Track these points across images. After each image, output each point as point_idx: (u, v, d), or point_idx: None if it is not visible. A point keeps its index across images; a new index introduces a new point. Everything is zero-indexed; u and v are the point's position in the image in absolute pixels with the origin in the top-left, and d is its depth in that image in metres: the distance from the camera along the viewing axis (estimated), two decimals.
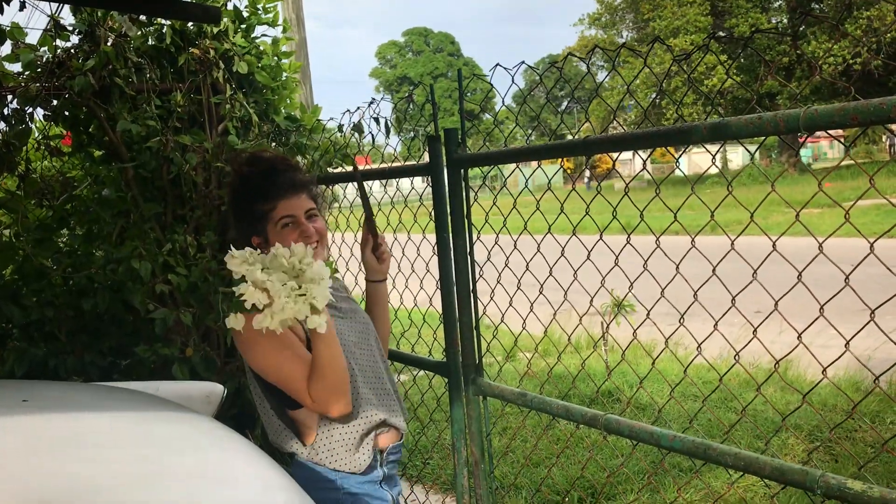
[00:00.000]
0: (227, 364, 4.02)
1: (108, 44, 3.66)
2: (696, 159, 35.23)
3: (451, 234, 2.74)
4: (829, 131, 1.65)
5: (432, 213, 2.79)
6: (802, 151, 37.71)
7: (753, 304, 1.75)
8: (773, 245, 1.63)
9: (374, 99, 3.03)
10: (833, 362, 1.71)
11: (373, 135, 3.22)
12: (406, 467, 5.15)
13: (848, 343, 1.57)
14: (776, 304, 1.68)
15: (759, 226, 1.59)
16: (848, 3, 28.46)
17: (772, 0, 35.68)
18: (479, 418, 2.81)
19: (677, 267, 1.82)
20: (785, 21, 33.76)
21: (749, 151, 2.02)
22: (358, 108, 3.22)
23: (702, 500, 4.27)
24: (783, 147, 34.52)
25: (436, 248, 2.80)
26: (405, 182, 3.44)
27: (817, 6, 32.41)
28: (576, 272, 2.13)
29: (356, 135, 3.55)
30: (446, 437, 4.72)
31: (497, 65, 2.40)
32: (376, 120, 3.11)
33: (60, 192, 3.97)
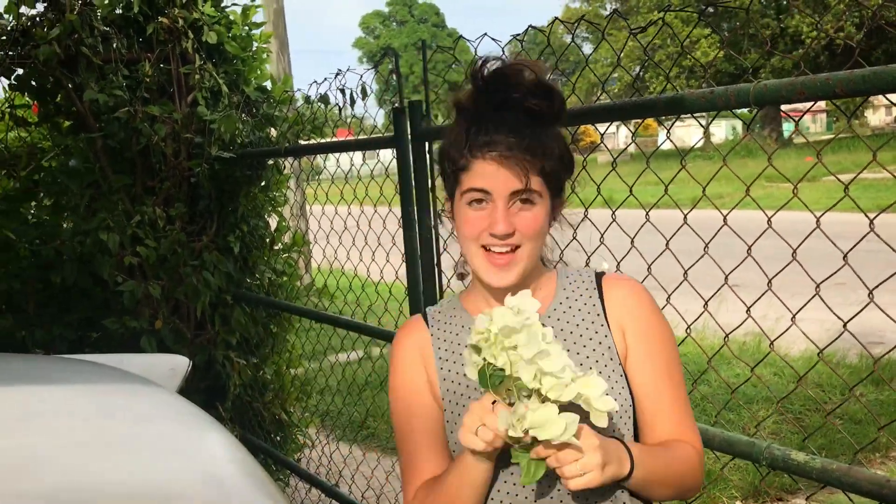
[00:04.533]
0: (198, 336, 4.02)
1: (74, 12, 3.60)
2: (679, 133, 35.34)
3: (415, 208, 2.74)
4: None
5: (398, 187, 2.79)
6: (785, 125, 37.85)
7: (731, 279, 1.76)
8: (724, 219, 1.64)
9: (339, 70, 3.01)
10: (780, 335, 1.74)
11: (339, 106, 3.20)
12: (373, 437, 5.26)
13: (794, 317, 1.59)
14: (726, 277, 1.70)
15: (710, 199, 1.60)
16: None
17: None
18: None
19: (632, 241, 1.82)
20: None
21: (702, 124, 2.02)
22: (325, 79, 3.20)
23: None
24: (766, 121, 34.61)
25: (401, 221, 2.79)
26: (383, 155, 3.41)
27: None
28: None
29: (333, 106, 3.52)
30: None
31: (460, 37, 2.39)
32: (342, 91, 3.09)
33: (27, 162, 3.93)
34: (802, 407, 5.41)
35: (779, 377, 6.06)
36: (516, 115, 1.36)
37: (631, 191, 1.80)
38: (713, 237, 1.69)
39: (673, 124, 1.97)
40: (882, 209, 1.54)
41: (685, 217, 1.72)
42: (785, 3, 31.65)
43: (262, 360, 4.25)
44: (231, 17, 4.09)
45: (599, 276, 1.50)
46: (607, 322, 1.45)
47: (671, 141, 1.88)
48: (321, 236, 3.85)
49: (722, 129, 44.88)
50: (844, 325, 1.49)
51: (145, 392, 2.04)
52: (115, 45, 3.78)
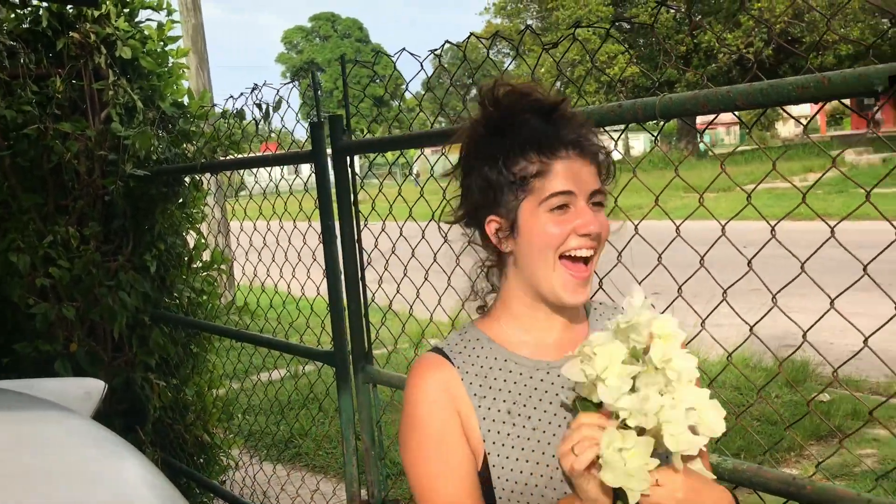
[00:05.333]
0: (115, 359, 3.91)
1: None
2: None
3: (336, 222, 2.73)
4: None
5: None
6: (706, 137, 39.07)
7: (653, 287, 1.80)
8: (636, 228, 1.68)
9: (256, 84, 2.98)
10: (690, 341, 1.79)
11: (256, 121, 3.17)
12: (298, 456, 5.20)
13: (704, 322, 1.64)
14: (639, 284, 1.74)
15: (622, 210, 1.64)
16: None
17: None
18: (369, 406, 2.82)
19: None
20: (683, 10, 34.72)
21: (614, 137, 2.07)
22: (241, 94, 3.16)
23: None
24: (682, 133, 35.62)
25: (321, 236, 2.78)
26: (304, 170, 3.37)
27: None
28: (458, 257, 2.15)
29: (249, 122, 3.49)
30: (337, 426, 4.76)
31: (378, 52, 2.40)
32: (258, 106, 3.06)
33: None
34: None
35: (700, 380, 6.22)
36: (578, 127, 1.26)
37: None
38: (625, 246, 1.73)
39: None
40: (785, 215, 1.61)
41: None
42: (697, 18, 32.70)
43: (182, 381, 4.16)
44: (146, 33, 4.01)
45: None
46: None
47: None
48: (244, 253, 3.79)
49: (641, 142, 45.98)
50: (751, 329, 1.55)
51: (57, 418, 1.98)
52: (22, 60, 3.67)
